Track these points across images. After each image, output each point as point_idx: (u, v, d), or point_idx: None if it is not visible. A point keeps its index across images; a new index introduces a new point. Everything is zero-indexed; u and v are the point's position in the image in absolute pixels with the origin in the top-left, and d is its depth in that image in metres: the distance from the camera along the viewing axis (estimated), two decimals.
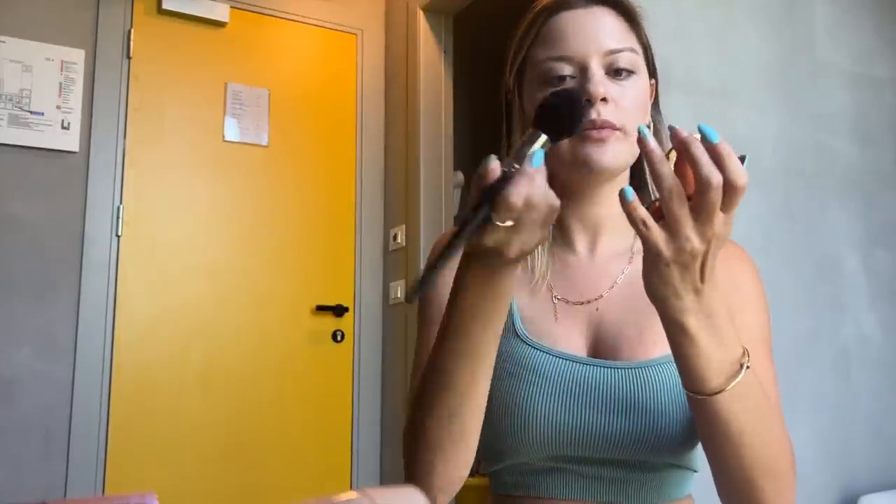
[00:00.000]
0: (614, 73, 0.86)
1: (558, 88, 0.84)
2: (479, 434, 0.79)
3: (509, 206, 0.61)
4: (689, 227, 0.62)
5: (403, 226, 3.06)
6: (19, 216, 2.61)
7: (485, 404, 0.78)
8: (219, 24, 3.03)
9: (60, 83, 2.72)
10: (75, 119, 2.72)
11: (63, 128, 2.70)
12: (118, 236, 2.76)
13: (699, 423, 0.73)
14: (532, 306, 0.89)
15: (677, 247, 0.63)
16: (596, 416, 0.82)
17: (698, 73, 2.06)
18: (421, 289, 0.62)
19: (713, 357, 0.68)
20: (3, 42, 2.66)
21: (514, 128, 0.94)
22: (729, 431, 0.71)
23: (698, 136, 0.62)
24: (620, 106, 0.84)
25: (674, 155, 0.65)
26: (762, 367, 0.82)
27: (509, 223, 0.62)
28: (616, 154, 0.84)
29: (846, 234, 2.21)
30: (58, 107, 2.70)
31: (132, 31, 2.88)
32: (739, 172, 0.61)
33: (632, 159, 0.88)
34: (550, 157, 0.77)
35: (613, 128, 0.83)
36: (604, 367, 0.84)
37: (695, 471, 0.89)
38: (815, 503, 2.01)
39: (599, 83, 0.83)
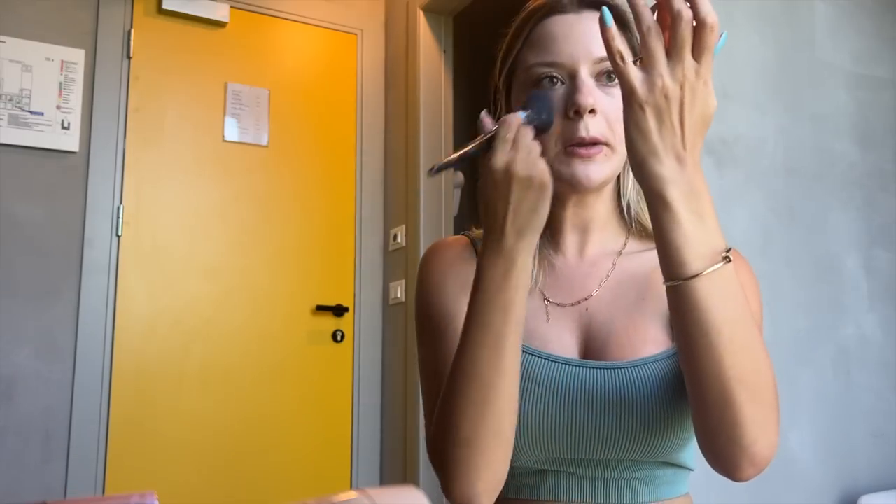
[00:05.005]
0: (606, 77, 0.86)
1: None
2: (514, 433, 0.79)
3: (509, 122, 0.75)
4: (661, 64, 0.65)
5: (403, 226, 3.06)
6: (19, 216, 2.61)
7: (516, 398, 0.78)
8: (219, 24, 3.03)
9: (60, 83, 2.72)
10: (75, 119, 2.72)
11: (63, 128, 2.70)
12: (118, 236, 2.76)
13: (675, 317, 0.70)
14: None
15: (650, 82, 0.65)
16: (588, 417, 0.82)
17: None
18: (439, 169, 0.80)
19: (693, 235, 0.67)
20: (3, 42, 2.66)
21: None
22: (705, 324, 0.67)
23: None
24: (610, 118, 0.85)
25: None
26: None
27: (510, 137, 0.75)
28: (603, 171, 0.85)
29: (846, 235, 2.20)
30: (58, 107, 2.70)
31: (132, 31, 2.88)
32: (709, 10, 0.64)
33: (619, 171, 0.90)
34: None
35: (602, 143, 0.84)
36: (594, 367, 0.84)
37: (691, 469, 0.89)
38: (815, 503, 2.01)
39: (588, 94, 0.83)
